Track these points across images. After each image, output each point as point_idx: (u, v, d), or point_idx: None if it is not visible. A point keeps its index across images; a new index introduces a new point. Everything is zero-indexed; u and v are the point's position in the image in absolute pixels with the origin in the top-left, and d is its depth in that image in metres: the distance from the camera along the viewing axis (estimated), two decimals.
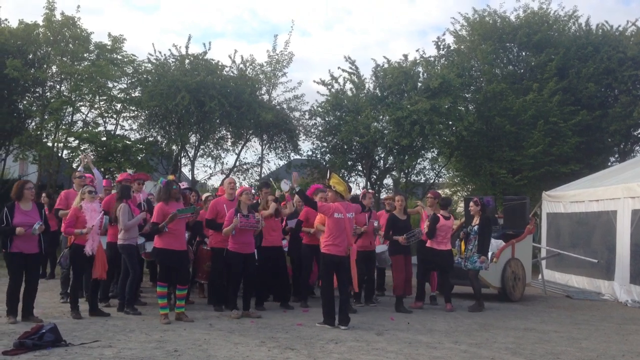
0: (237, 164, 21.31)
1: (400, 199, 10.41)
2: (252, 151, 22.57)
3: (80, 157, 11.27)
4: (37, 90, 18.83)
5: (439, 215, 10.49)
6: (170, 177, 9.15)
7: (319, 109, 19.56)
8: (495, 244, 11.90)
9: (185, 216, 8.54)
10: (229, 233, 8.73)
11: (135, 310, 8.72)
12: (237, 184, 19.01)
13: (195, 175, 20.64)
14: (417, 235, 10.12)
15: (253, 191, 10.47)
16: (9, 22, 18.59)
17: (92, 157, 12.01)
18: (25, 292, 7.93)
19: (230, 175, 20.68)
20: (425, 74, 19.31)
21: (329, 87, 19.57)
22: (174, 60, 18.95)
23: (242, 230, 8.71)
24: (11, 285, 7.83)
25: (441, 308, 10.44)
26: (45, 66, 18.31)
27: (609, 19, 50.06)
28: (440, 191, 24.98)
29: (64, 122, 18.33)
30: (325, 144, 20.09)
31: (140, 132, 19.71)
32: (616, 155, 21.84)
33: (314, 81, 21.46)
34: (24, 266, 7.86)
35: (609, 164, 20.75)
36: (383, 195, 20.68)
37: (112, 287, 9.63)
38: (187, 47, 19.08)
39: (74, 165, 18.33)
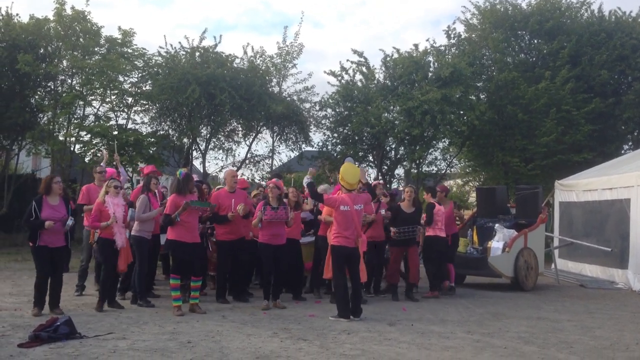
0: (248, 156, 21.38)
1: (410, 191, 10.38)
2: (263, 143, 22.57)
3: (103, 153, 11.27)
4: (49, 84, 18.94)
5: (434, 202, 10.51)
6: (184, 169, 9.15)
7: (330, 100, 19.55)
8: (508, 233, 11.85)
9: (199, 209, 8.55)
10: (256, 226, 8.83)
11: (149, 303, 8.78)
12: (247, 177, 19.08)
13: (206, 168, 20.73)
14: (411, 232, 10.06)
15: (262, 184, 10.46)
16: (19, 17, 18.66)
17: (106, 154, 12.01)
18: (52, 285, 8.03)
19: (242, 168, 20.76)
20: (436, 64, 19.20)
21: (339, 78, 19.55)
22: (184, 53, 18.99)
23: (271, 222, 8.78)
24: (39, 278, 7.95)
25: (454, 298, 10.43)
26: (56, 61, 18.39)
27: (622, 5, 49.50)
28: (452, 181, 25.00)
29: (75, 117, 18.42)
30: (336, 135, 20.08)
31: (152, 126, 19.84)
32: (630, 143, 21.63)
33: (324, 72, 21.39)
34: (51, 259, 7.96)
35: (623, 151, 20.57)
36: (394, 186, 20.69)
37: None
38: (201, 39, 19.17)
39: (87, 160, 18.48)
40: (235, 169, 18.86)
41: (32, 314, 7.74)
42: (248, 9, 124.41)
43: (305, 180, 10.83)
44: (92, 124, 18.16)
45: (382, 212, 10.24)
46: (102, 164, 10.91)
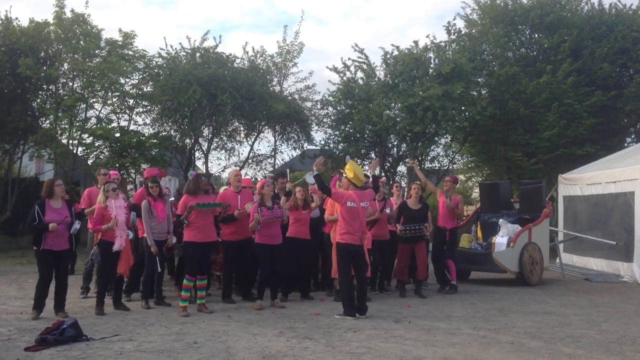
0: (251, 155, 21.40)
1: (416, 188, 10.34)
2: (265, 142, 22.63)
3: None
4: (50, 88, 18.94)
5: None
6: (200, 171, 9.24)
7: (331, 98, 19.55)
8: (512, 228, 11.82)
9: (210, 210, 8.56)
10: (255, 228, 8.77)
11: (163, 301, 8.96)
12: (251, 177, 19.07)
13: (209, 168, 20.73)
14: (416, 230, 9.95)
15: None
16: (19, 21, 18.64)
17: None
18: (57, 288, 8.04)
19: (244, 167, 20.76)
20: (436, 60, 19.17)
21: (341, 74, 19.55)
22: (185, 54, 18.99)
23: (267, 223, 8.74)
24: (41, 282, 7.93)
25: (459, 294, 10.41)
26: (57, 64, 18.38)
27: None
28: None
29: (77, 119, 18.43)
30: (337, 133, 20.07)
31: (154, 127, 19.84)
32: (632, 136, 21.56)
33: (327, 67, 21.39)
34: (54, 263, 7.95)
35: (626, 144, 20.50)
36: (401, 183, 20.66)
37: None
38: (203, 40, 19.18)
39: (89, 162, 18.49)
40: (238, 168, 18.86)
41: (31, 318, 7.73)
42: (252, 9, 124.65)
43: (309, 178, 10.77)
44: (94, 126, 18.17)
45: (387, 210, 10.21)
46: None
